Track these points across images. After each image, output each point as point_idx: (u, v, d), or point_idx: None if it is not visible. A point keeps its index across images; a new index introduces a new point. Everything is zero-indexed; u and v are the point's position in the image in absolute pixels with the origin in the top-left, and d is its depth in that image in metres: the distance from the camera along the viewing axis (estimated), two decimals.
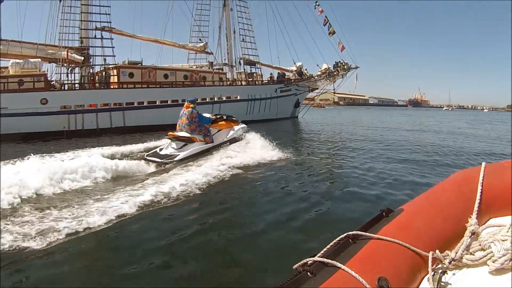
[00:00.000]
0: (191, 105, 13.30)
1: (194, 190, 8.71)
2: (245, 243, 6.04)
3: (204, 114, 13.93)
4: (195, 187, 8.96)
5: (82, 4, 28.06)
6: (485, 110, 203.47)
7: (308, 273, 1.78)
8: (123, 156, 12.74)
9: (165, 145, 13.01)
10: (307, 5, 39.29)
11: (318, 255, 1.91)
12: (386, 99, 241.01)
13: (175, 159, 11.91)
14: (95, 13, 28.42)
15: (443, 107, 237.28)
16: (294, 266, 1.89)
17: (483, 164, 2.60)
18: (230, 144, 13.91)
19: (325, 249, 1.96)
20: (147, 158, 12.18)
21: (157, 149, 12.94)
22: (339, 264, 1.80)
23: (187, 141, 12.71)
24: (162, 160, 11.82)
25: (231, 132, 14.61)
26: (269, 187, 9.65)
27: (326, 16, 38.77)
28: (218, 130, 14.17)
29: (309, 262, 1.87)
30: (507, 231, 2.03)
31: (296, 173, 11.26)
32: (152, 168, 11.49)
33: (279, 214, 7.44)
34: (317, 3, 38.65)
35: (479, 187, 2.41)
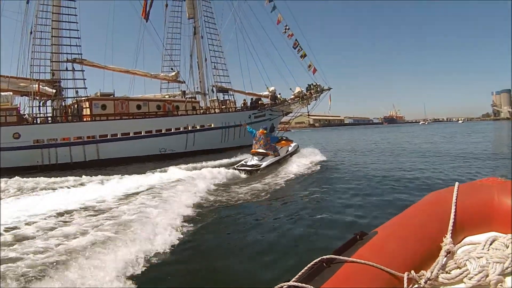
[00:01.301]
0: (265, 131, 18.11)
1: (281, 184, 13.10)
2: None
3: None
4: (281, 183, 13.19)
5: (52, 36, 28.06)
6: (459, 122, 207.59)
7: None
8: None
9: (249, 159, 17.97)
10: (277, 29, 39.79)
11: (293, 280, 1.90)
12: (361, 118, 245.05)
13: (261, 166, 16.55)
14: (65, 45, 28.52)
15: (419, 122, 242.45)
16: None
17: (456, 184, 2.67)
18: (291, 156, 19.10)
19: (299, 274, 1.95)
20: (239, 168, 16.56)
21: (243, 162, 17.76)
22: None
23: (264, 155, 17.51)
24: (252, 168, 16.41)
25: (290, 148, 19.92)
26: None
27: (296, 39, 39.27)
28: (281, 147, 19.02)
29: (283, 287, 1.85)
30: (482, 248, 2.11)
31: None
32: (243, 175, 15.84)
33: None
34: (287, 27, 39.19)
35: (453, 207, 2.46)
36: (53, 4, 28.24)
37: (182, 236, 7.17)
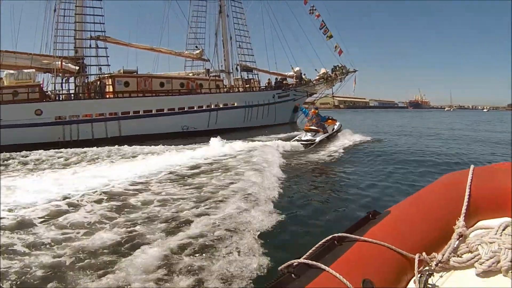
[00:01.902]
0: (317, 111, 21.04)
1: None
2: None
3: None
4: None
5: (76, 14, 28.00)
6: (485, 110, 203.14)
7: (293, 274, 1.79)
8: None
9: (303, 135, 20.43)
10: (304, 9, 39.25)
11: (303, 257, 1.92)
12: (387, 101, 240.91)
13: (316, 141, 19.18)
14: (89, 22, 28.39)
15: (444, 108, 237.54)
16: (279, 268, 1.89)
17: (472, 167, 2.60)
18: (336, 133, 21.81)
19: (310, 251, 1.97)
20: (298, 141, 19.58)
21: (298, 137, 20.31)
22: (323, 266, 1.80)
23: (316, 131, 20.04)
24: (308, 142, 19.09)
25: (335, 126, 22.06)
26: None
27: (323, 20, 38.82)
28: (328, 125, 21.24)
29: (294, 264, 1.86)
30: (495, 234, 2.04)
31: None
32: (301, 148, 18.55)
33: None
34: (314, 7, 38.62)
35: (467, 190, 2.40)
36: None
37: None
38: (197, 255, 5.38)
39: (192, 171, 12.14)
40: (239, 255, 5.33)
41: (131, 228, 6.53)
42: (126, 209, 7.79)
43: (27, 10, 62.62)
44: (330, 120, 21.92)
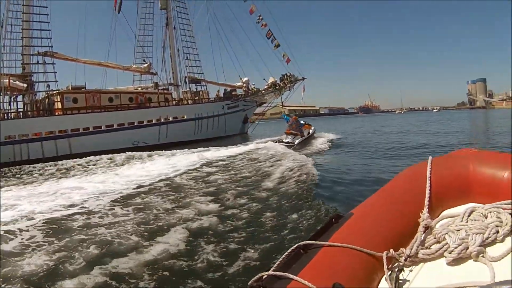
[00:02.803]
0: (296, 117, 25.27)
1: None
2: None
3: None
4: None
5: (23, 29, 27.85)
6: (434, 111, 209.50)
7: None
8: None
9: (284, 137, 23.72)
10: (251, 19, 39.84)
11: (272, 268, 1.88)
12: (337, 108, 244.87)
13: (295, 143, 22.22)
14: (36, 38, 28.34)
15: (395, 111, 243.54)
16: (249, 283, 1.85)
17: (430, 158, 2.63)
18: (313, 135, 25.81)
19: (277, 263, 1.93)
20: (279, 142, 22.54)
21: (280, 139, 23.74)
22: (291, 276, 1.78)
23: (295, 135, 23.46)
24: (289, 144, 21.87)
25: (310, 130, 25.79)
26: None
27: (270, 29, 39.39)
28: (305, 129, 24.91)
29: (263, 277, 1.83)
30: (461, 221, 2.09)
31: None
32: (281, 149, 19.23)
33: None
34: (261, 17, 39.30)
35: (428, 181, 2.43)
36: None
37: None
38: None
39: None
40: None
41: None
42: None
43: None
44: (306, 125, 26.20)
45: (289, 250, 2.03)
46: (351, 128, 45.63)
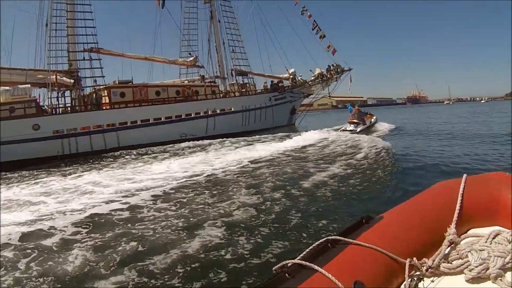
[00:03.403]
0: (359, 108, 28.02)
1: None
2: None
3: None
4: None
5: (68, 27, 28.06)
6: (482, 101, 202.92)
7: (287, 274, 1.84)
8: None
9: (347, 126, 26.23)
10: (295, 10, 39.34)
11: (298, 258, 1.95)
12: (385, 99, 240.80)
13: (357, 130, 24.65)
14: (81, 35, 28.51)
15: (443, 102, 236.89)
16: (274, 268, 1.95)
17: (464, 176, 2.63)
18: (374, 124, 27.95)
19: (304, 252, 2.01)
20: (343, 130, 25.14)
21: (343, 128, 26.25)
22: (316, 267, 1.84)
23: (357, 124, 25.92)
24: (352, 132, 24.02)
25: (372, 119, 28.03)
26: None
27: (314, 20, 38.93)
28: (367, 119, 27.38)
29: (288, 264, 1.91)
30: (485, 242, 2.08)
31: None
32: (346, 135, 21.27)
33: None
34: (305, 8, 38.68)
35: (459, 198, 2.43)
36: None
37: None
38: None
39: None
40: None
41: None
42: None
43: (19, 25, 62.76)
44: (368, 115, 28.36)
45: (317, 243, 2.12)
46: (400, 119, 44.94)
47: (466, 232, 2.40)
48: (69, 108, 27.67)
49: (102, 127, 25.76)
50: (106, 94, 28.12)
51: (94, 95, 28.88)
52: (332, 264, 1.90)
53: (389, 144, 15.63)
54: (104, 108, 27.75)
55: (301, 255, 1.99)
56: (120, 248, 6.08)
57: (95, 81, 28.35)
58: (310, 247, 2.06)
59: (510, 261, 1.92)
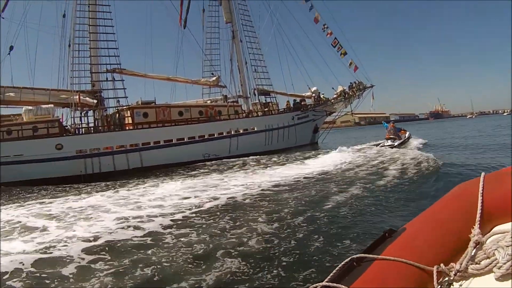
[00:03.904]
0: (394, 125, 29.61)
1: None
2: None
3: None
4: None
5: (91, 48, 28.42)
6: (505, 114, 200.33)
7: None
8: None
9: (384, 142, 27.68)
10: (316, 28, 39.39)
11: (325, 280, 1.93)
12: (407, 114, 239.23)
13: (395, 144, 26.14)
14: (104, 56, 28.88)
15: (466, 115, 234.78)
16: None
17: (482, 174, 2.50)
18: (408, 139, 29.66)
19: (331, 274, 1.98)
20: (381, 146, 26.19)
21: (382, 144, 27.34)
22: (343, 287, 1.84)
23: (394, 139, 27.32)
24: (391, 145, 25.84)
25: (406, 135, 30.00)
26: None
27: (336, 38, 38.89)
28: (401, 134, 29.23)
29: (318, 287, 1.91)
30: (511, 237, 1.97)
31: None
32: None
33: None
34: (326, 26, 38.63)
35: (480, 197, 2.30)
36: (89, 17, 28.55)
37: None
38: None
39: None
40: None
41: None
42: None
43: (42, 46, 63.81)
44: (402, 131, 30.46)
45: (342, 263, 2.10)
46: (426, 134, 45.16)
47: (490, 230, 2.25)
48: (92, 128, 27.79)
49: (125, 147, 25.81)
50: (129, 114, 28.23)
51: (117, 115, 28.96)
52: (359, 282, 1.91)
53: (431, 155, 17.19)
54: (127, 128, 27.81)
55: (328, 277, 1.95)
56: (135, 275, 5.78)
57: (118, 101, 28.57)
58: (336, 268, 2.03)
59: None
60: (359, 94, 40.38)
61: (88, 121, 28.88)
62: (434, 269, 2.00)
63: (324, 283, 1.90)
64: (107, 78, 28.73)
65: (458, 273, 1.99)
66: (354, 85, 40.50)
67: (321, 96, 40.77)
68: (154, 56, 70.21)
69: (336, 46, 38.96)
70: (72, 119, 27.00)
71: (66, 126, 26.57)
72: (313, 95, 40.36)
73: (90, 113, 28.97)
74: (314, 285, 1.89)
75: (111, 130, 27.52)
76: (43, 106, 24.81)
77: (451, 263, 2.06)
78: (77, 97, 26.57)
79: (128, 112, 28.24)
